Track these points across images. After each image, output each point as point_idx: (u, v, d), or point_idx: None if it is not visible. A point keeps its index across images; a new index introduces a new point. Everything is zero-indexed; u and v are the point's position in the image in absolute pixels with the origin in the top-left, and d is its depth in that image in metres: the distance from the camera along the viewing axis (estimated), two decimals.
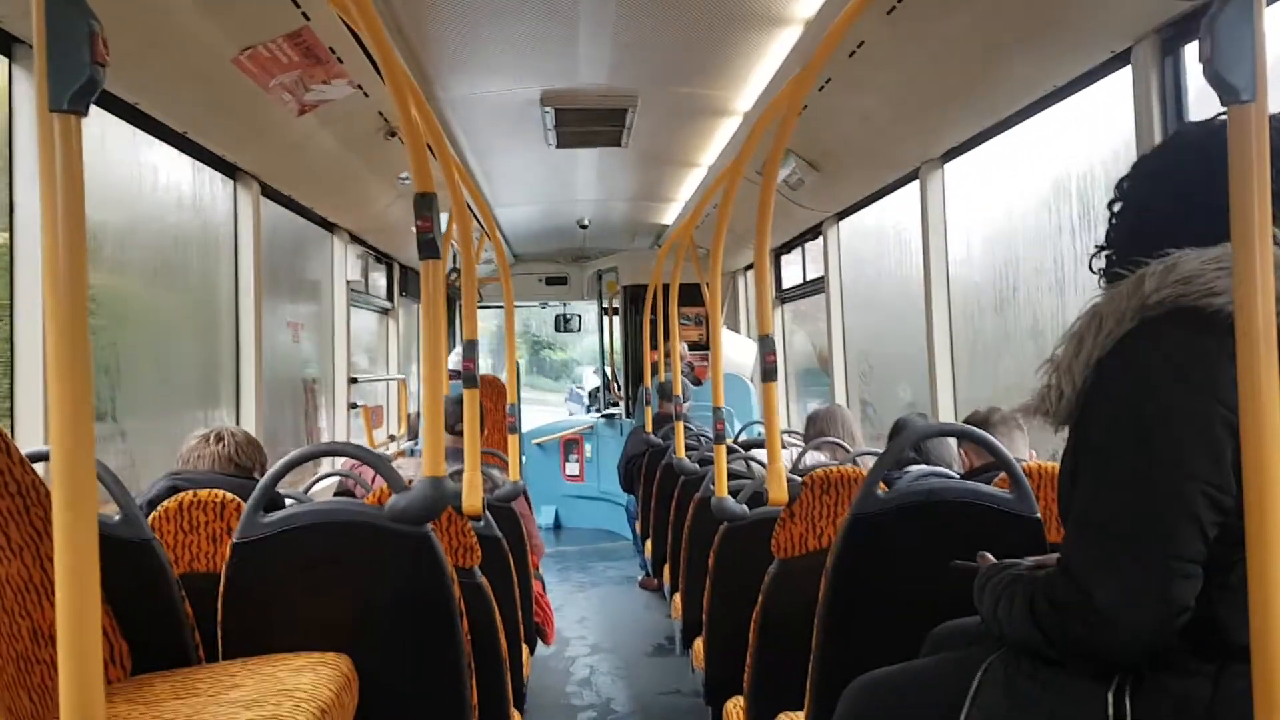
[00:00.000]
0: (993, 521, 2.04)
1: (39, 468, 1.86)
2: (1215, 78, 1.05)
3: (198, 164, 3.51)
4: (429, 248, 2.00)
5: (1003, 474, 2.26)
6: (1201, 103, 2.29)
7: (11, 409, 2.39)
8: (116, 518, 1.99)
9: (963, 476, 2.85)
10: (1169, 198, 1.33)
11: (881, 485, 2.09)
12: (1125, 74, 2.54)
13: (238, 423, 3.85)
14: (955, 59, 2.89)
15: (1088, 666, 1.24)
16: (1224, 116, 1.06)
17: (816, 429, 4.39)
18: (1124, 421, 1.20)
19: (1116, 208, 1.42)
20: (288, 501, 2.72)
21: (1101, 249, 1.42)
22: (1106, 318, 1.26)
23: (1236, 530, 1.07)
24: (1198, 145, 1.33)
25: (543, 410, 16.69)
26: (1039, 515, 2.07)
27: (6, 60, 2.28)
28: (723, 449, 3.18)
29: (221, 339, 3.88)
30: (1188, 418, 1.15)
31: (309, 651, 2.01)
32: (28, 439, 2.36)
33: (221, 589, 2.05)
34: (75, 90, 0.97)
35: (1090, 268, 1.42)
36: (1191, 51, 2.36)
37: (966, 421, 3.06)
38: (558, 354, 28.72)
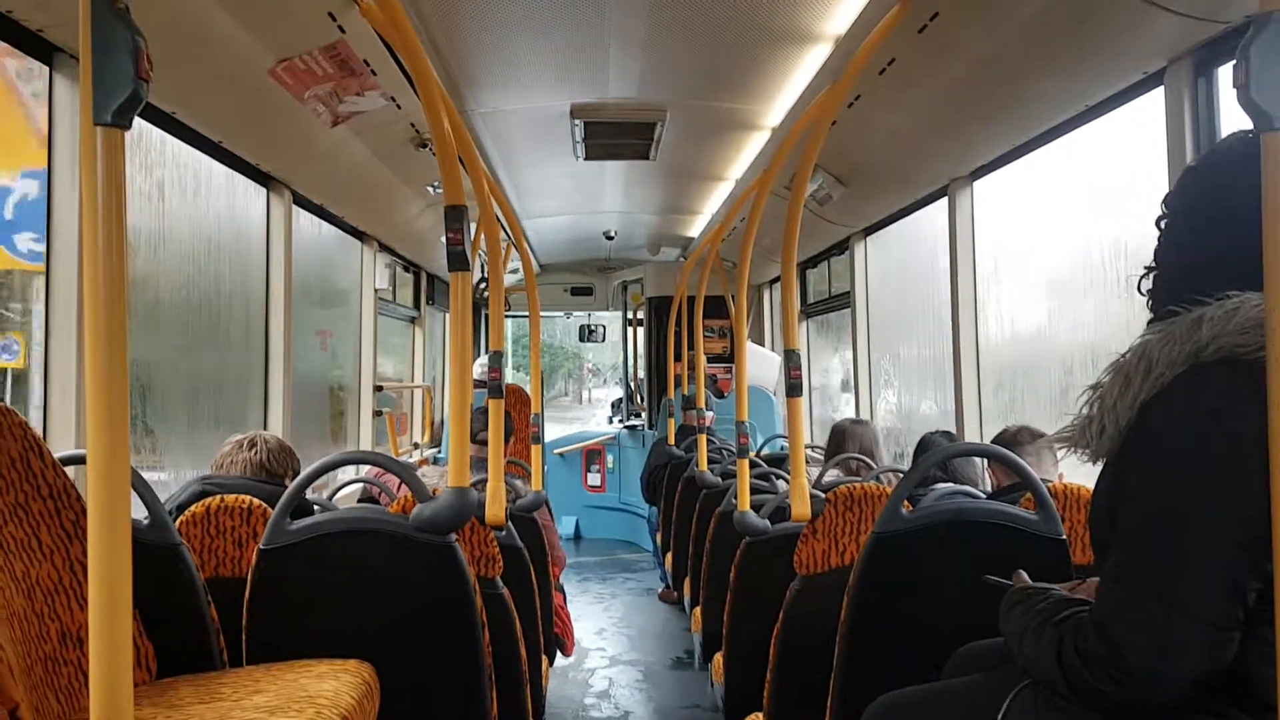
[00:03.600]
0: (1018, 542, 2.03)
1: (70, 471, 1.88)
2: (1250, 104, 1.04)
3: (231, 171, 3.55)
4: (459, 259, 2.02)
5: (1029, 494, 2.24)
6: (1235, 127, 2.26)
7: (45, 412, 2.42)
8: (145, 522, 2.01)
9: (989, 496, 2.83)
10: (1217, 213, 1.27)
11: (906, 504, 2.09)
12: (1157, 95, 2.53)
13: (265, 427, 3.89)
14: (986, 77, 2.88)
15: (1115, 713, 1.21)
16: None
17: (836, 445, 4.35)
18: (1166, 478, 1.16)
19: (1163, 224, 1.36)
20: (314, 508, 2.75)
21: (1150, 269, 1.36)
22: (1157, 361, 1.21)
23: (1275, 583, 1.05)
24: (1246, 155, 1.24)
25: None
26: (1064, 537, 2.06)
27: (48, 69, 2.32)
28: (745, 463, 3.18)
29: (251, 345, 3.91)
30: (1233, 480, 1.10)
31: (332, 658, 2.02)
32: (60, 442, 2.38)
33: (247, 595, 2.06)
34: (119, 104, 0.99)
35: (1139, 289, 1.37)
36: (1226, 74, 2.34)
37: (996, 439, 3.03)
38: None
